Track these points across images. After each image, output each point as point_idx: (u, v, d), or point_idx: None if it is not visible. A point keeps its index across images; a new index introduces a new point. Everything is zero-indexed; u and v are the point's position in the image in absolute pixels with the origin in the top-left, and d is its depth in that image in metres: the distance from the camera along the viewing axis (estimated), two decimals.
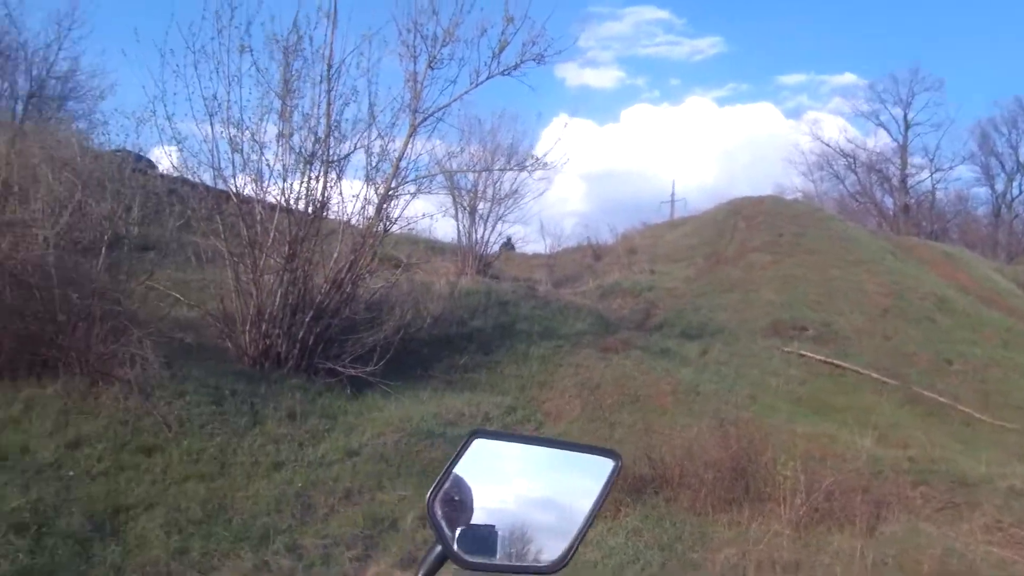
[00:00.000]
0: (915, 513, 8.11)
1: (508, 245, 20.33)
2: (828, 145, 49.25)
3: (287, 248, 9.80)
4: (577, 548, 1.53)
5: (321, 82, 10.08)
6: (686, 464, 8.28)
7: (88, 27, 22.65)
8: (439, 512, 1.57)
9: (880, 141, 49.34)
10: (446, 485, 1.59)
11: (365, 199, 10.80)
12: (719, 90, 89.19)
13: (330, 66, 10.08)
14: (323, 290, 10.21)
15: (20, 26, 21.23)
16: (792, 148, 50.37)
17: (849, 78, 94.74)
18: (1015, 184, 48.07)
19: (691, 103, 77.24)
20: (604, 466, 1.64)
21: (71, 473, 6.70)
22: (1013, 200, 48.00)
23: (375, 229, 10.76)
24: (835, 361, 15.10)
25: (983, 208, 49.14)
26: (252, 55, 9.63)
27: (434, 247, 18.21)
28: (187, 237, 11.38)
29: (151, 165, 13.33)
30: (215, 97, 9.60)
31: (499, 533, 1.57)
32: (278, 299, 9.84)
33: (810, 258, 20.35)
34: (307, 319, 9.89)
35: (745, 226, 23.34)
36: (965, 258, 27.27)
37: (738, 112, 73.41)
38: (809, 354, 15.18)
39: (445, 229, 21.91)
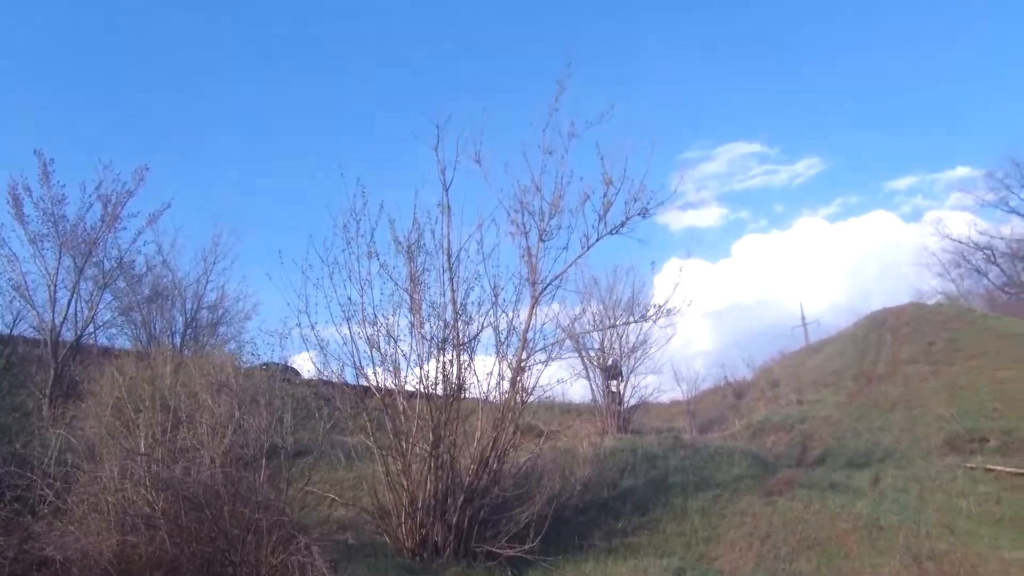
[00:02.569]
0: None
1: (614, 370, 19.77)
2: (960, 241, 47.08)
3: (431, 434, 9.99)
4: None
5: (444, 271, 10.64)
6: None
7: (229, 258, 24.95)
8: None
9: (1016, 227, 46.70)
10: None
11: (499, 375, 11.00)
12: (827, 207, 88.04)
13: (450, 255, 10.66)
14: (470, 470, 10.24)
15: (173, 267, 23.75)
16: (921, 251, 48.43)
17: (962, 172, 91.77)
18: None
19: (801, 225, 76.55)
20: None
21: None
22: None
23: (512, 402, 10.86)
24: None
25: None
26: (379, 258, 10.36)
27: (571, 410, 18.09)
28: (336, 437, 11.81)
29: (295, 373, 14.18)
30: (350, 300, 10.28)
31: None
32: (428, 486, 9.93)
33: (974, 363, 18.89)
34: (459, 503, 9.89)
35: (892, 339, 22.13)
36: None
37: (852, 225, 72.00)
38: (998, 468, 13.72)
39: (578, 391, 21.86)
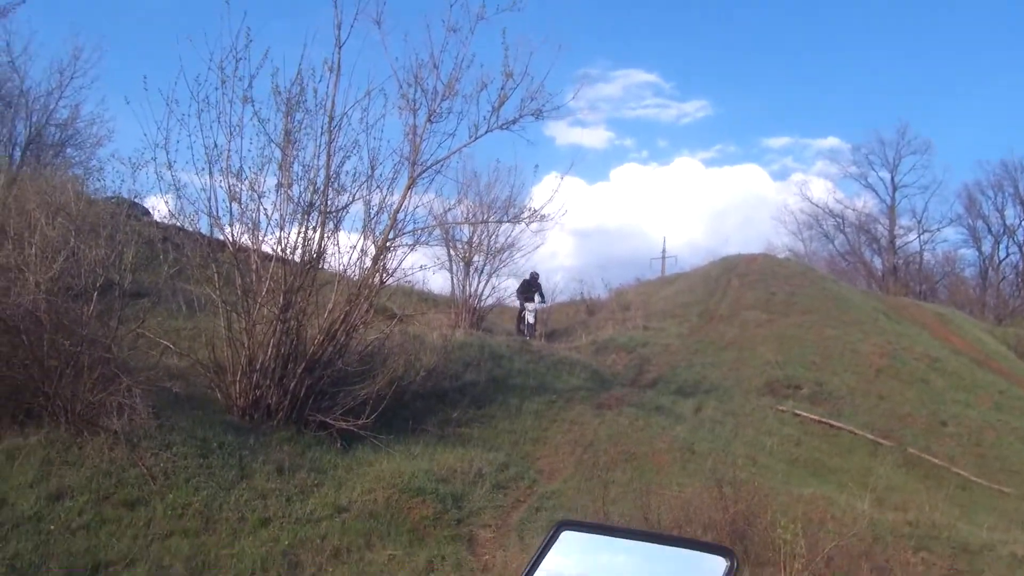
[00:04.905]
0: None
1: (534, 279, 20.14)
2: (817, 205, 50.24)
3: (281, 298, 9.69)
4: None
5: (322, 134, 10.12)
6: (683, 525, 8.09)
7: (90, 77, 22.78)
8: None
9: (868, 202, 50.27)
10: None
11: (362, 251, 10.76)
12: (706, 152, 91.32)
13: (332, 119, 10.12)
14: (316, 341, 10.07)
15: (22, 73, 21.46)
16: (781, 208, 51.35)
17: (832, 141, 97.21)
18: (1001, 246, 48.80)
19: (679, 164, 78.96)
20: (714, 566, 1.41)
21: (51, 527, 6.48)
22: (1000, 262, 48.70)
23: (371, 280, 10.69)
24: (830, 421, 14.98)
25: (970, 270, 49.75)
26: (254, 105, 9.67)
27: (428, 299, 18.14)
28: (180, 285, 11.28)
29: (145, 212, 13.31)
30: (216, 146, 9.60)
31: None
32: (270, 349, 9.69)
33: (804, 317, 20.37)
34: (299, 370, 9.73)
35: (739, 284, 23.43)
36: (956, 319, 27.37)
37: (725, 173, 75.09)
38: (804, 413, 15.06)
39: (439, 281, 21.89)
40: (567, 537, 1.43)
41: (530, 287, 20.06)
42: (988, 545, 8.81)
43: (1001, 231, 48.69)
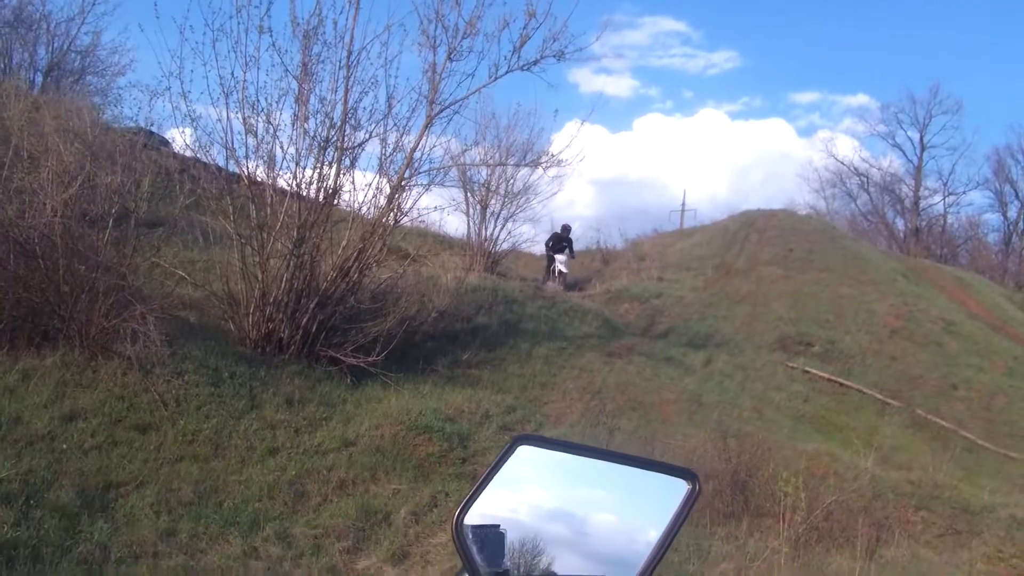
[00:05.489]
0: (916, 538, 8.01)
1: (566, 232, 19.82)
2: (842, 163, 49.34)
3: (296, 233, 9.70)
4: None
5: (340, 68, 9.99)
6: None
7: (112, 3, 22.48)
8: (469, 535, 1.36)
9: (894, 162, 49.37)
10: (479, 498, 1.37)
11: (377, 189, 10.71)
12: (732, 104, 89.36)
13: (350, 53, 9.99)
14: (329, 277, 10.11)
15: None
16: (805, 165, 50.53)
17: (861, 99, 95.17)
18: None
19: (704, 116, 77.55)
20: (677, 488, 1.38)
21: (64, 446, 6.64)
22: None
23: (385, 219, 10.67)
24: (839, 380, 14.94)
25: (994, 235, 49.01)
26: (271, 36, 9.52)
27: (443, 241, 18.10)
28: (196, 216, 11.31)
29: (164, 143, 13.29)
30: (232, 76, 9.49)
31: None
32: (283, 284, 9.75)
33: (821, 275, 20.17)
34: (312, 305, 9.79)
35: (757, 239, 23.18)
36: (976, 284, 27.02)
37: (751, 127, 73.76)
38: (814, 371, 15.03)
39: (455, 224, 21.81)
40: (525, 452, 1.39)
41: (561, 240, 19.49)
42: (989, 507, 8.84)
43: None
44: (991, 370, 17.14)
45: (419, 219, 12.59)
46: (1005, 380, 16.79)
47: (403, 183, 10.85)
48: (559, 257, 19.23)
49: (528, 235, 19.91)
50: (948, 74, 78.95)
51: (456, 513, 1.35)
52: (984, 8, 72.28)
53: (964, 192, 48.92)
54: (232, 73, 9.49)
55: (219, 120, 9.74)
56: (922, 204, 48.92)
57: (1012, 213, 48.35)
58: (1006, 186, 48.08)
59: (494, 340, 12.67)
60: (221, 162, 10.28)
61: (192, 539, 6.00)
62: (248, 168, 10.05)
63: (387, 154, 10.69)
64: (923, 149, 48.81)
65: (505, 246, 18.46)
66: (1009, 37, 69.90)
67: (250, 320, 9.71)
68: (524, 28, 10.67)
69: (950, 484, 9.72)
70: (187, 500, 6.46)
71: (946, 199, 48.92)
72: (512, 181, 17.55)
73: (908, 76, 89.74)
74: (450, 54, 10.70)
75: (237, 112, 9.66)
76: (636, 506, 1.45)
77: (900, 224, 49.38)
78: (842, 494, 8.00)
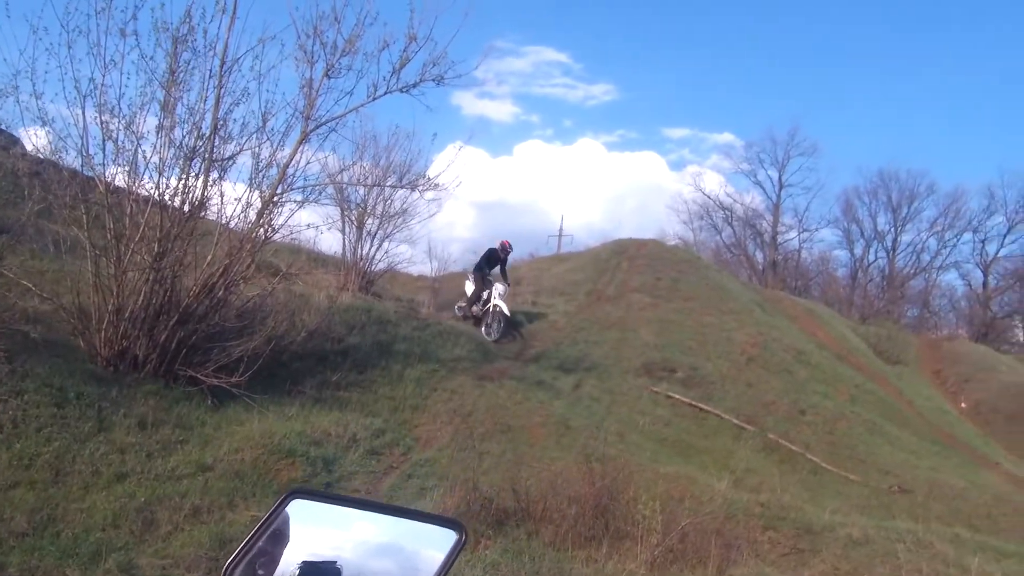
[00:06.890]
0: (762, 557, 8.44)
1: (505, 252, 17.78)
2: (708, 197, 52.22)
3: (157, 246, 9.25)
4: None
5: (211, 78, 9.64)
6: (550, 498, 8.31)
7: None
8: None
9: (756, 198, 52.64)
10: (252, 552, 1.36)
11: (247, 203, 10.37)
12: (609, 135, 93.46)
13: (223, 62, 9.67)
14: (192, 293, 9.68)
15: None
16: (675, 197, 53.21)
17: (728, 137, 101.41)
18: (872, 250, 52.23)
19: (582, 145, 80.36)
20: (446, 539, 1.45)
21: None
22: (869, 265, 52.16)
23: (255, 235, 10.35)
24: (699, 404, 15.64)
25: (843, 270, 53.03)
26: (137, 40, 9.06)
27: (317, 259, 17.72)
28: (46, 224, 10.60)
29: (13, 142, 12.39)
30: (91, 80, 8.98)
31: None
32: (141, 298, 9.26)
33: (686, 304, 21.11)
34: (172, 322, 9.34)
35: (628, 267, 24.01)
36: (825, 315, 29.08)
37: (626, 158, 77.08)
38: (676, 396, 15.67)
39: (331, 242, 21.38)
40: (299, 506, 1.41)
41: (496, 261, 17.81)
42: (829, 527, 9.44)
43: (872, 236, 52.16)
44: (835, 396, 18.44)
45: (292, 236, 12.27)
46: (847, 406, 18.10)
47: (275, 198, 10.57)
48: (498, 287, 17.16)
49: (405, 255, 19.78)
50: (808, 115, 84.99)
51: (227, 564, 1.34)
52: (839, 54, 78.44)
53: (817, 229, 52.88)
54: (92, 77, 8.99)
55: (75, 124, 9.20)
56: (780, 239, 52.38)
57: (858, 250, 52.48)
58: (853, 225, 52.21)
59: (365, 361, 12.48)
60: (76, 167, 9.68)
61: (23, 573, 5.55)
62: (106, 175, 9.51)
63: (259, 168, 10.40)
64: (781, 187, 52.40)
65: (381, 266, 18.28)
66: (860, 82, 76.15)
67: (102, 336, 9.14)
68: (404, 50, 10.72)
69: (795, 505, 10.33)
70: (20, 531, 5.97)
71: (801, 235, 52.67)
72: (390, 201, 17.44)
73: (771, 117, 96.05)
74: (328, 71, 10.57)
75: (95, 117, 9.15)
76: (410, 555, 1.49)
77: (760, 257, 52.59)
78: (697, 516, 8.33)
